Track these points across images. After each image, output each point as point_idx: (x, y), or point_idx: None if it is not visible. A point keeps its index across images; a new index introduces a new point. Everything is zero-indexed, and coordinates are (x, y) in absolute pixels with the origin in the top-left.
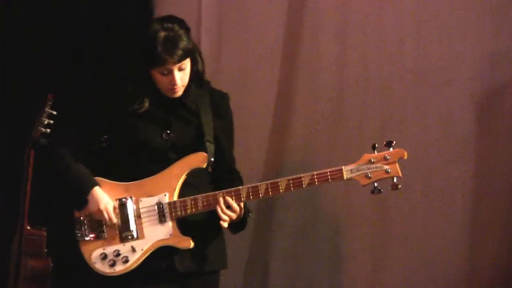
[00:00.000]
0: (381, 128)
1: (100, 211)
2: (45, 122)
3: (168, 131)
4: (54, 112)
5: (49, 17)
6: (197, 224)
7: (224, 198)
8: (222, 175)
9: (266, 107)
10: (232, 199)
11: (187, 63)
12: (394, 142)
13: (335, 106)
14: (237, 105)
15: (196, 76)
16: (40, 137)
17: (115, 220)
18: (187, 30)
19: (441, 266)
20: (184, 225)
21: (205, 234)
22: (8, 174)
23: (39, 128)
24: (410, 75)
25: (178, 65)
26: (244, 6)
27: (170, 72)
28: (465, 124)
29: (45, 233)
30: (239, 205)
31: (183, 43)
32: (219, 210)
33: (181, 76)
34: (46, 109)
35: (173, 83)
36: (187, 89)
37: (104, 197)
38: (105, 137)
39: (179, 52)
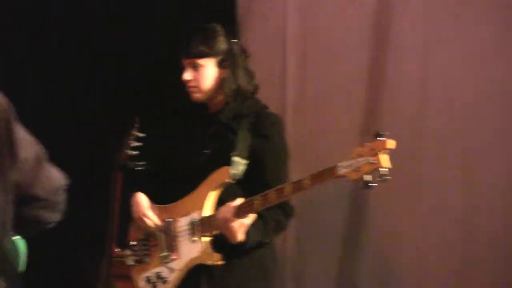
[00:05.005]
0: (463, 149)
1: (140, 218)
2: (133, 145)
3: (204, 149)
4: (141, 135)
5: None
6: (233, 246)
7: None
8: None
9: (351, 128)
10: (248, 209)
11: (205, 64)
12: (387, 133)
13: (418, 127)
14: (322, 126)
15: (236, 90)
16: (127, 159)
17: (157, 221)
18: (227, 36)
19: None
20: (220, 245)
21: (240, 256)
22: (97, 196)
23: (126, 151)
24: (494, 94)
25: (189, 60)
26: (329, 28)
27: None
28: None
29: None
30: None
31: (201, 40)
32: None
33: (195, 76)
34: (133, 132)
35: (183, 78)
36: (224, 106)
37: (144, 201)
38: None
39: (193, 47)
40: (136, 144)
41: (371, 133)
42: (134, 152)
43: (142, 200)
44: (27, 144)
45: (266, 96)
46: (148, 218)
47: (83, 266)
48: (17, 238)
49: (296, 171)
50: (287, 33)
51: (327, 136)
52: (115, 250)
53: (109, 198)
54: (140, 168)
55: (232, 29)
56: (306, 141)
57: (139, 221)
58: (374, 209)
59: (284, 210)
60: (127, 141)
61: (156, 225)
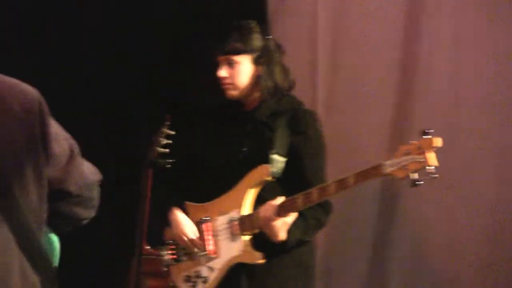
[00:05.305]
0: (495, 146)
1: (179, 237)
2: (163, 143)
3: (241, 147)
4: (172, 132)
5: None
6: (274, 244)
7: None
8: None
9: (382, 125)
10: (290, 208)
11: (240, 61)
12: (432, 130)
13: (449, 124)
14: (353, 124)
15: (273, 88)
16: (157, 157)
17: (194, 239)
18: (262, 33)
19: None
20: (260, 244)
21: (280, 255)
22: (127, 194)
23: (156, 148)
24: None
25: (224, 57)
26: (360, 25)
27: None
28: None
29: None
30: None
31: (237, 37)
32: None
33: (230, 73)
34: (164, 129)
35: (218, 75)
36: (260, 104)
37: (183, 220)
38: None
39: (228, 44)
40: (167, 141)
41: (403, 131)
42: (165, 150)
43: (180, 217)
44: (61, 139)
45: (297, 93)
46: (187, 237)
47: (115, 263)
48: (51, 234)
49: (327, 169)
50: (318, 30)
51: (358, 133)
52: (147, 247)
53: (139, 196)
54: (170, 165)
55: (265, 26)
56: (337, 139)
57: (178, 239)
58: (404, 207)
59: (323, 207)
60: (157, 139)
61: (194, 244)
